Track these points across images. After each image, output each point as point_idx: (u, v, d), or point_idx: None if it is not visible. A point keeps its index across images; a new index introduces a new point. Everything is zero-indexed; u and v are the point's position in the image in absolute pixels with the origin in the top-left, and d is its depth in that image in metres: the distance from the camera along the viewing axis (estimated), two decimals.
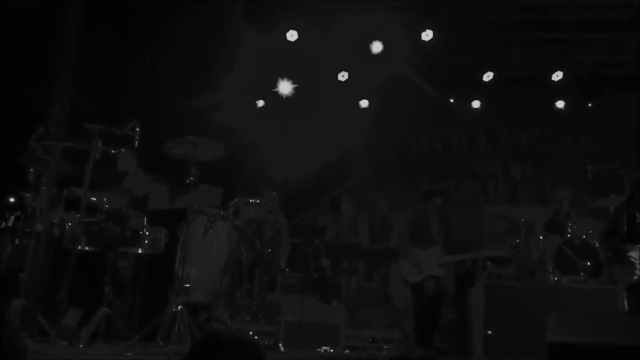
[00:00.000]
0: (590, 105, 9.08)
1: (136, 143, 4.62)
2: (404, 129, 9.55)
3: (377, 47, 7.74)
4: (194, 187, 4.58)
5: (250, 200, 5.11)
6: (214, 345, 1.80)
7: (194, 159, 4.62)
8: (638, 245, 5.13)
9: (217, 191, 4.97)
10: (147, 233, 4.64)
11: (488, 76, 8.59)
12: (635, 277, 5.05)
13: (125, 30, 7.64)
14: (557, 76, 8.55)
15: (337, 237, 7.24)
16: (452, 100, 9.18)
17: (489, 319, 6.09)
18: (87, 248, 4.53)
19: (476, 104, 9.18)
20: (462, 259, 6.28)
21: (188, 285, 4.59)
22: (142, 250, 4.71)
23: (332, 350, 5.20)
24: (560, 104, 9.07)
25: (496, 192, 9.33)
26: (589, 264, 6.12)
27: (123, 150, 4.76)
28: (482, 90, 8.99)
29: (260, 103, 9.04)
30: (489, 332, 6.01)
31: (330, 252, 7.01)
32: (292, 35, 7.89)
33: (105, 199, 4.59)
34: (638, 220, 5.22)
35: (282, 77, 8.06)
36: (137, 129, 4.60)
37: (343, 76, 8.56)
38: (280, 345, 5.50)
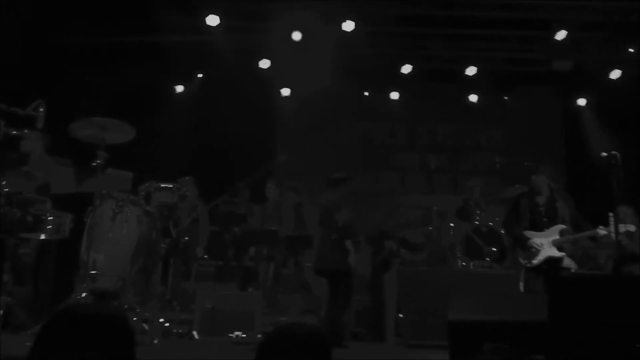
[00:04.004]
0: (506, 98, 9.51)
1: (40, 124, 4.39)
2: (325, 120, 9.61)
3: (296, 35, 7.74)
4: (101, 170, 4.43)
5: (162, 185, 4.97)
6: (73, 319, 1.64)
7: (102, 142, 4.47)
8: (540, 233, 5.42)
9: (126, 175, 4.82)
10: (50, 218, 4.44)
11: (407, 69, 8.79)
12: (535, 262, 5.35)
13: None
14: (471, 71, 8.87)
15: (263, 224, 7.22)
16: (366, 94, 9.35)
17: (401, 303, 6.31)
18: None
19: (395, 95, 9.39)
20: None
21: (94, 272, 4.44)
22: (45, 235, 4.49)
23: (244, 336, 5.21)
24: (473, 98, 9.43)
25: (413, 183, 9.60)
26: (494, 249, 6.45)
27: (26, 131, 4.52)
28: (402, 83, 9.20)
29: (180, 88, 8.88)
30: (401, 315, 6.22)
31: (249, 239, 6.99)
32: (213, 20, 7.76)
33: (4, 182, 4.35)
34: (540, 209, 5.53)
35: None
36: (42, 109, 4.37)
37: (265, 64, 8.54)
38: (194, 332, 5.47)
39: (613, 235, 4.91)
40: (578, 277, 4.66)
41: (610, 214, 4.86)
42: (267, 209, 7.30)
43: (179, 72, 8.79)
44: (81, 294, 4.24)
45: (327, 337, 1.89)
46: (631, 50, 8.17)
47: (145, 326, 4.57)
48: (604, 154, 4.84)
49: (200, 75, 8.86)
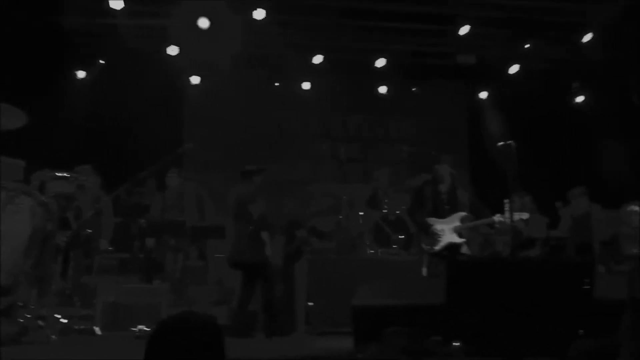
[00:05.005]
0: (414, 89, 9.78)
1: None
2: (237, 109, 9.47)
3: (203, 22, 7.55)
4: None
5: (57, 174, 4.71)
6: None
7: None
8: (442, 219, 5.63)
9: (17, 164, 4.52)
10: None
11: (318, 59, 8.82)
12: (437, 247, 5.55)
13: None
14: (380, 62, 9.04)
15: (163, 214, 7.02)
16: (277, 84, 9.34)
17: (311, 292, 6.36)
18: None
19: (307, 85, 9.40)
20: None
21: None
22: None
23: (147, 329, 5.06)
24: (383, 90, 9.63)
25: (325, 172, 9.69)
26: (401, 237, 6.64)
27: None
28: (314, 73, 9.23)
29: (81, 74, 8.45)
30: (311, 304, 6.27)
31: (155, 230, 6.78)
32: (117, 4, 7.41)
33: None
34: (442, 196, 5.73)
35: None
36: None
37: (173, 50, 8.28)
38: (95, 328, 5.26)
39: (509, 221, 5.18)
40: (474, 261, 4.88)
41: (506, 201, 5.12)
42: (167, 198, 7.11)
43: (80, 57, 8.36)
44: None
45: (219, 326, 1.86)
46: (527, 46, 8.63)
47: (41, 323, 4.34)
48: (501, 143, 5.09)
49: (102, 62, 8.47)
